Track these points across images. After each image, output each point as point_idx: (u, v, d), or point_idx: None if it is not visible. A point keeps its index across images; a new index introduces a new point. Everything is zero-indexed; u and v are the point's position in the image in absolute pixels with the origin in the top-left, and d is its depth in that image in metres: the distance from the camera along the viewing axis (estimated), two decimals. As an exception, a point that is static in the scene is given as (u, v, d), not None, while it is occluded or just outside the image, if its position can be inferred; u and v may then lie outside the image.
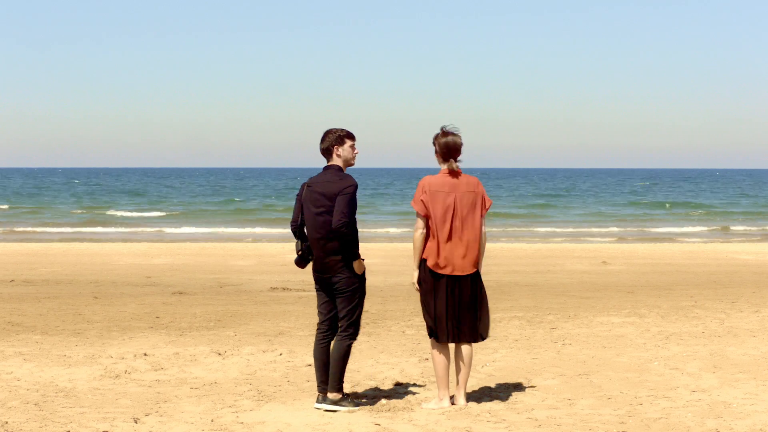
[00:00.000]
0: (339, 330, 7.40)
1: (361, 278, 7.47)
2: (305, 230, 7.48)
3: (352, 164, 7.44)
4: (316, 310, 7.65)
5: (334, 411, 7.24)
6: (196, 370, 8.85)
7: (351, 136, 7.42)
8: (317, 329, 7.47)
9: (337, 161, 7.38)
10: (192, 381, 8.40)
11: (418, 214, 7.40)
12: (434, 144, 7.48)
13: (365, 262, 7.41)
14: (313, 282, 7.61)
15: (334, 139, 7.37)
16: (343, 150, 7.36)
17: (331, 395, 7.32)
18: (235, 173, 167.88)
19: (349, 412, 7.23)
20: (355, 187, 7.26)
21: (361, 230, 8.42)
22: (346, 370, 7.60)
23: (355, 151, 7.45)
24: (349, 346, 7.38)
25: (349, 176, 7.30)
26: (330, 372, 7.33)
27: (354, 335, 7.41)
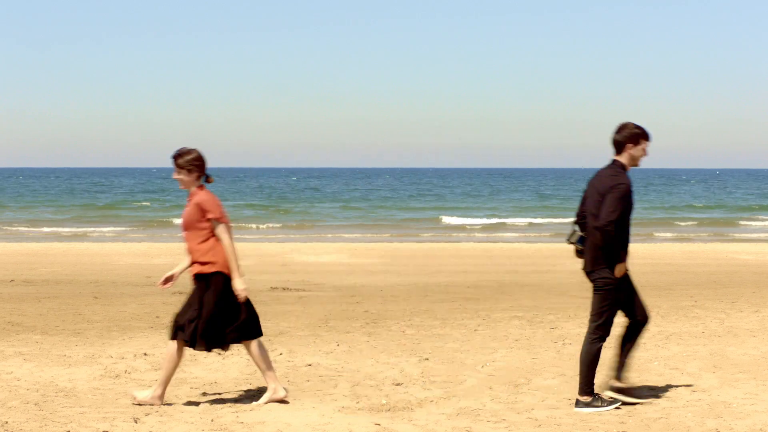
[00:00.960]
0: (588, 331, 7.37)
1: (619, 282, 7.34)
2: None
3: (637, 165, 7.37)
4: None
5: (591, 411, 7.23)
6: (196, 370, 8.85)
7: (647, 137, 7.34)
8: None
9: (623, 158, 7.32)
10: (192, 381, 8.40)
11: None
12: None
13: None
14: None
15: (629, 136, 7.31)
16: (636, 150, 7.33)
17: (581, 398, 7.31)
18: (233, 173, 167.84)
19: (603, 411, 7.22)
20: (628, 186, 7.19)
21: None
22: (346, 370, 7.59)
23: (646, 154, 7.38)
24: (599, 349, 7.31)
25: (624, 174, 7.24)
26: (579, 374, 7.35)
27: (603, 337, 7.32)
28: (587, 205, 7.33)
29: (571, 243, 7.46)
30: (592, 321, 7.32)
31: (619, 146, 7.30)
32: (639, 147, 7.29)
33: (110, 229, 36.32)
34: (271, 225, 39.63)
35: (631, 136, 7.26)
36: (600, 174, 7.31)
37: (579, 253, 7.44)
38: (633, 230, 7.58)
